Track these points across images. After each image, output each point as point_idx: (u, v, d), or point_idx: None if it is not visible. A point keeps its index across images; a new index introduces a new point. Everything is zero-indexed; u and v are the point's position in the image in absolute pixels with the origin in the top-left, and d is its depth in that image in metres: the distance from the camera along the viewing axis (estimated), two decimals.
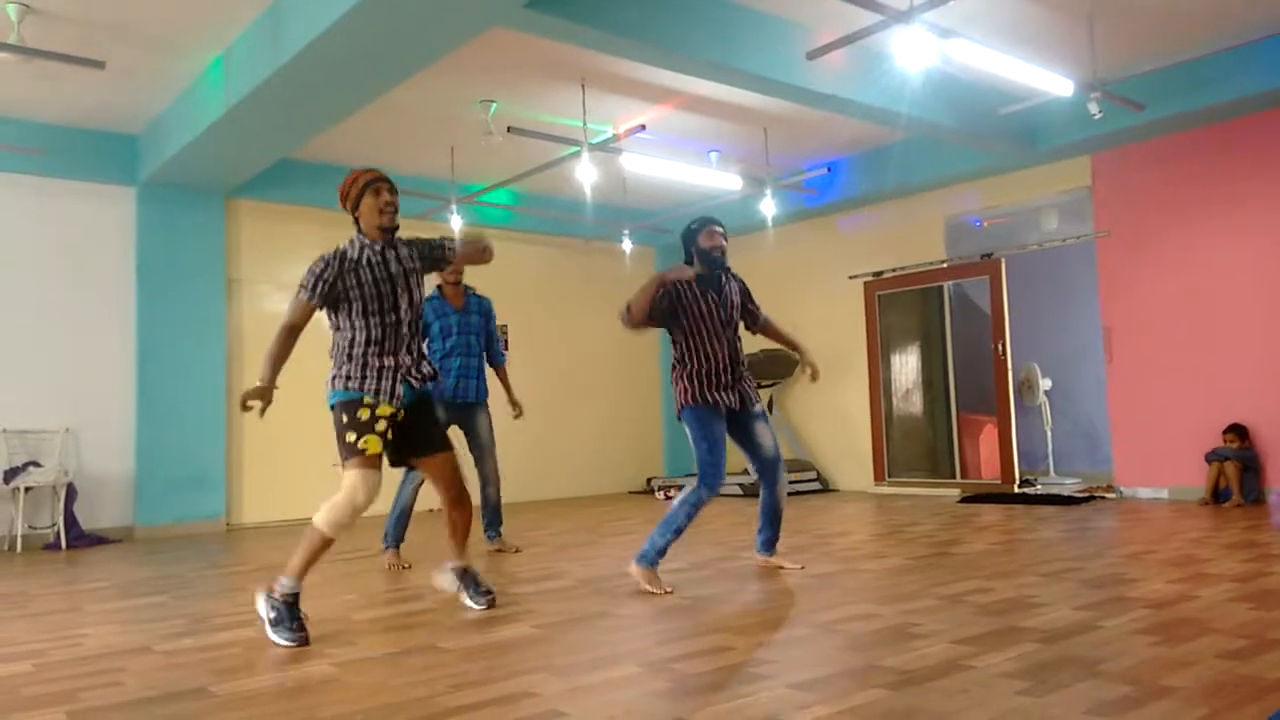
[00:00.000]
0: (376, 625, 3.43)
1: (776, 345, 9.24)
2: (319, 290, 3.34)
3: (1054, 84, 5.55)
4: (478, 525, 5.01)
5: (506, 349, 9.09)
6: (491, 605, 3.64)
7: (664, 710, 2.28)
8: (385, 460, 3.38)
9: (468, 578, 3.69)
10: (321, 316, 3.44)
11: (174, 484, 7.07)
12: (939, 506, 7.12)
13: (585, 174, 6.31)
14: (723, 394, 4.05)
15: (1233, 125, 6.63)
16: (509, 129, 6.15)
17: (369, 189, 3.42)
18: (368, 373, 3.35)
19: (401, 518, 4.97)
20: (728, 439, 4.12)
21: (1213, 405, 6.68)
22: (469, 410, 5.14)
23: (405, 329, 3.44)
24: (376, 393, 3.33)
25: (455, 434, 4.51)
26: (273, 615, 3.20)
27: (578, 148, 6.25)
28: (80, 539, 6.51)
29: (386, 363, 3.38)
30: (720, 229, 4.20)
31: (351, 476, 3.26)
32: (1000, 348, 7.98)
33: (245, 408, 3.21)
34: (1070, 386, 8.79)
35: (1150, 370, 7.05)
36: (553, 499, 9.17)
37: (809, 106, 6.22)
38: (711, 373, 4.05)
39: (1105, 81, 5.71)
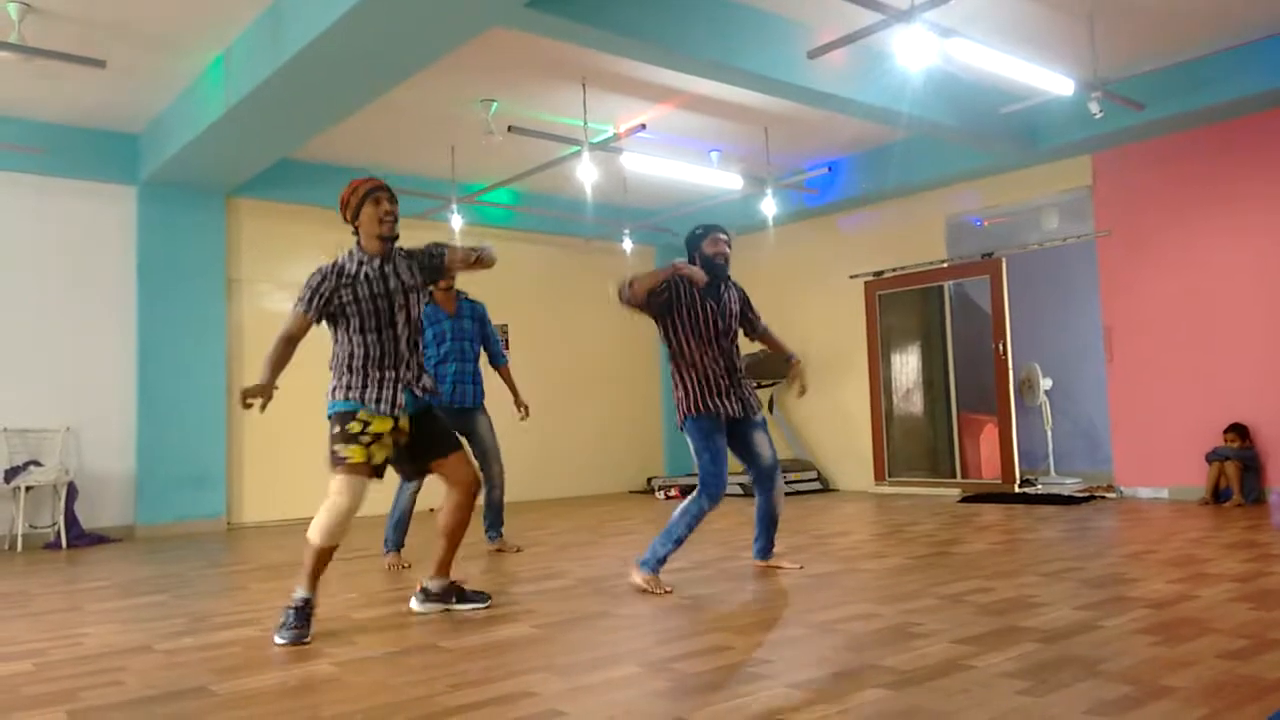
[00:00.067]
0: (377, 624, 3.44)
1: None
2: (314, 304, 3.35)
3: (1055, 83, 5.54)
4: (476, 527, 5.01)
5: (507, 348, 9.10)
6: (487, 602, 3.64)
7: (664, 710, 2.28)
8: (372, 469, 3.35)
9: (448, 593, 3.65)
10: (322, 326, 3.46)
11: (175, 483, 7.07)
12: (939, 506, 7.12)
13: (586, 173, 6.31)
14: (724, 401, 4.04)
15: (1233, 125, 6.63)
16: (509, 128, 6.15)
17: (369, 198, 3.41)
18: (368, 383, 3.35)
19: (401, 522, 4.97)
20: (731, 449, 4.13)
21: (1213, 405, 6.68)
22: (467, 415, 5.11)
23: (404, 345, 3.43)
24: (377, 402, 3.33)
25: None
26: (280, 619, 3.25)
27: (578, 147, 6.25)
28: (81, 538, 6.51)
29: (387, 375, 3.38)
30: (725, 237, 4.20)
31: (334, 484, 3.27)
32: (1001, 347, 7.98)
33: (246, 405, 3.21)
34: (1071, 386, 8.79)
35: (1151, 370, 7.05)
36: (553, 498, 9.17)
37: (810, 106, 6.22)
38: (709, 380, 4.04)
39: (1106, 81, 5.71)
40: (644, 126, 6.31)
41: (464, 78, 6.12)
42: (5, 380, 6.60)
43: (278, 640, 3.16)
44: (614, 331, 9.88)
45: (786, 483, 8.11)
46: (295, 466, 7.52)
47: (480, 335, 5.28)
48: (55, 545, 6.41)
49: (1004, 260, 7.98)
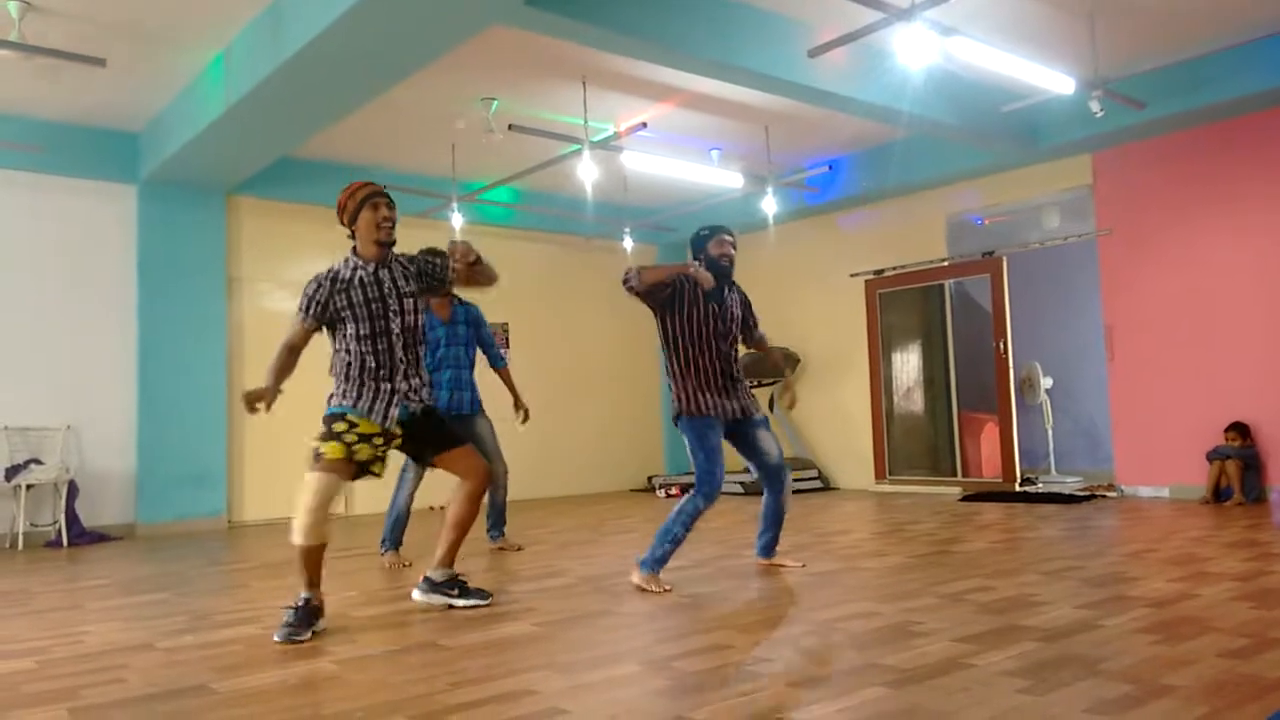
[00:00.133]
0: (377, 622, 3.44)
1: (779, 344, 9.27)
2: (312, 311, 3.38)
3: (1055, 82, 5.54)
4: (476, 526, 5.01)
5: (508, 347, 9.10)
6: (488, 600, 3.64)
7: (664, 708, 2.28)
8: (356, 469, 3.36)
9: (451, 584, 3.65)
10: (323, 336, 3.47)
11: (175, 481, 7.07)
12: (940, 505, 7.13)
13: (586, 172, 6.30)
14: (720, 401, 4.04)
15: (1234, 124, 6.63)
16: (510, 127, 6.15)
17: (367, 203, 3.41)
18: (363, 393, 3.37)
19: (399, 521, 4.96)
20: (733, 449, 4.13)
21: (1214, 403, 6.68)
22: (465, 422, 5.06)
23: (401, 352, 3.42)
24: (369, 411, 3.35)
25: None
26: (282, 617, 3.25)
27: (579, 145, 6.24)
28: (82, 536, 6.51)
29: (383, 387, 3.38)
30: (730, 239, 4.20)
31: (306, 479, 3.27)
32: (1001, 346, 7.98)
33: (252, 409, 3.25)
34: (1071, 385, 8.78)
35: (1151, 369, 7.04)
36: (554, 497, 9.17)
37: (810, 104, 6.22)
38: (706, 380, 4.04)
39: (1107, 80, 5.71)
40: (644, 125, 6.30)
41: (464, 76, 6.12)
42: (6, 379, 6.60)
43: (275, 638, 3.17)
44: (615, 330, 9.88)
45: None
46: (296, 465, 7.43)
47: (476, 339, 5.26)
48: (56, 543, 6.41)
49: (1005, 259, 7.98)
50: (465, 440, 3.61)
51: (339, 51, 4.90)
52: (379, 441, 3.37)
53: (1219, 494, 6.44)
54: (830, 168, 8.37)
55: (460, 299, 5.26)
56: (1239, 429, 6.45)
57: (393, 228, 3.45)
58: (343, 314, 3.38)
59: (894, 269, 8.68)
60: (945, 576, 3.97)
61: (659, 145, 7.61)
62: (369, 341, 3.38)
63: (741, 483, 8.72)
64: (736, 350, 4.19)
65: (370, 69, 5.20)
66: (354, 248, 3.47)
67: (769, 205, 7.82)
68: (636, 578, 3.93)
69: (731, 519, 6.56)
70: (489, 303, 5.45)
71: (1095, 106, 5.69)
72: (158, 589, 4.41)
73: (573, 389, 9.60)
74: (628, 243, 9.04)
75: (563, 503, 8.57)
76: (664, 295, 4.04)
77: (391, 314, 3.41)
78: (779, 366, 4.45)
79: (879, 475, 8.76)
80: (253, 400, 3.27)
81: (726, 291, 4.18)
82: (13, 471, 6.38)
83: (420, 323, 3.52)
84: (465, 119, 6.84)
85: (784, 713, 2.21)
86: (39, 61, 5.31)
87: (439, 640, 3.09)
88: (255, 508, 7.55)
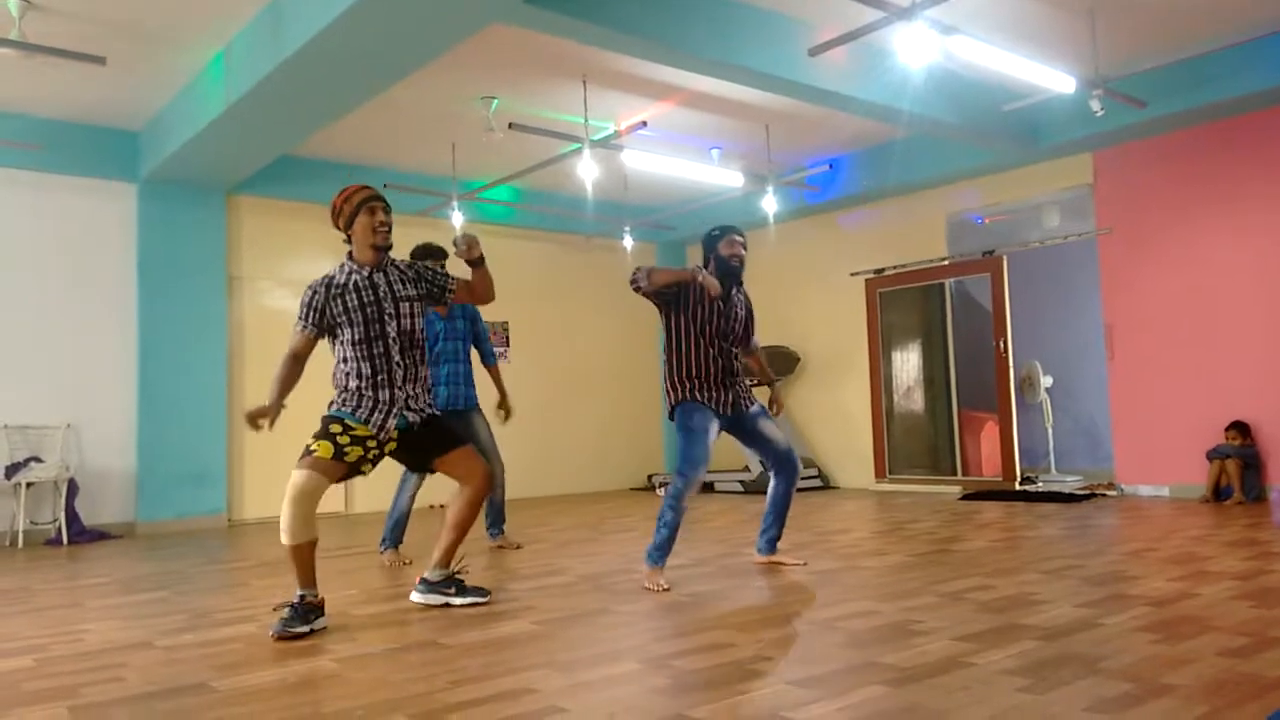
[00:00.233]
0: (377, 621, 3.44)
1: (779, 343, 9.28)
2: (311, 319, 3.39)
3: (1056, 81, 5.54)
4: (476, 525, 5.00)
5: (508, 345, 9.11)
6: (487, 599, 3.65)
7: (664, 706, 2.28)
8: (347, 469, 3.36)
9: (449, 583, 3.64)
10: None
11: (175, 479, 7.08)
12: (940, 504, 7.12)
13: (587, 170, 6.30)
14: (716, 394, 4.06)
15: (1235, 123, 6.62)
16: (510, 125, 6.15)
17: (364, 208, 3.39)
18: (362, 401, 3.37)
19: (400, 521, 4.96)
20: (740, 445, 4.13)
21: (1214, 402, 6.67)
22: (462, 417, 5.07)
23: (398, 356, 3.41)
24: (366, 422, 3.36)
25: None
26: (279, 614, 3.25)
27: (579, 144, 6.24)
28: (82, 534, 6.52)
29: (381, 396, 3.38)
30: (740, 239, 4.20)
31: (292, 477, 3.25)
32: (1001, 345, 7.98)
33: (255, 426, 3.25)
34: (1071, 384, 8.78)
35: (1152, 368, 7.04)
36: (554, 495, 9.17)
37: (811, 103, 6.21)
38: (704, 377, 4.04)
39: (1107, 78, 5.70)
40: (645, 124, 6.30)
41: (465, 74, 6.12)
42: (6, 377, 6.60)
43: (270, 632, 3.17)
44: (614, 328, 9.88)
45: None
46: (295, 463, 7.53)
47: (472, 334, 5.26)
48: (56, 541, 6.42)
49: (1005, 258, 7.98)
50: (465, 441, 3.61)
51: (339, 50, 4.90)
52: (372, 444, 3.37)
53: (1219, 493, 6.44)
54: (830, 167, 8.37)
55: None
56: (1239, 428, 6.45)
57: (389, 232, 3.43)
58: (339, 320, 3.37)
59: (894, 268, 8.68)
60: (945, 575, 3.97)
61: (659, 144, 7.61)
62: (365, 346, 3.37)
63: (741, 481, 8.73)
64: (737, 350, 4.20)
65: (370, 67, 5.20)
66: (350, 252, 3.47)
67: (769, 204, 7.82)
68: (643, 571, 3.97)
69: (731, 518, 6.56)
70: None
71: (1095, 105, 5.68)
72: (157, 587, 4.41)
73: (573, 387, 9.61)
74: (628, 241, 9.05)
75: (562, 501, 8.57)
76: (670, 292, 4.06)
77: (387, 318, 3.40)
78: (769, 379, 4.46)
79: (879, 474, 8.76)
80: (255, 418, 3.29)
81: (734, 292, 4.19)
82: (13, 469, 6.38)
83: (419, 327, 3.49)
84: (468, 118, 6.84)
85: (784, 711, 2.20)
86: (39, 60, 5.31)
87: (439, 639, 3.09)
88: (255, 506, 7.55)
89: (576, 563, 4.70)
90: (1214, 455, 6.49)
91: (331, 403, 3.42)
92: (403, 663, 2.80)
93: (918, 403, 9.03)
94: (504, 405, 5.25)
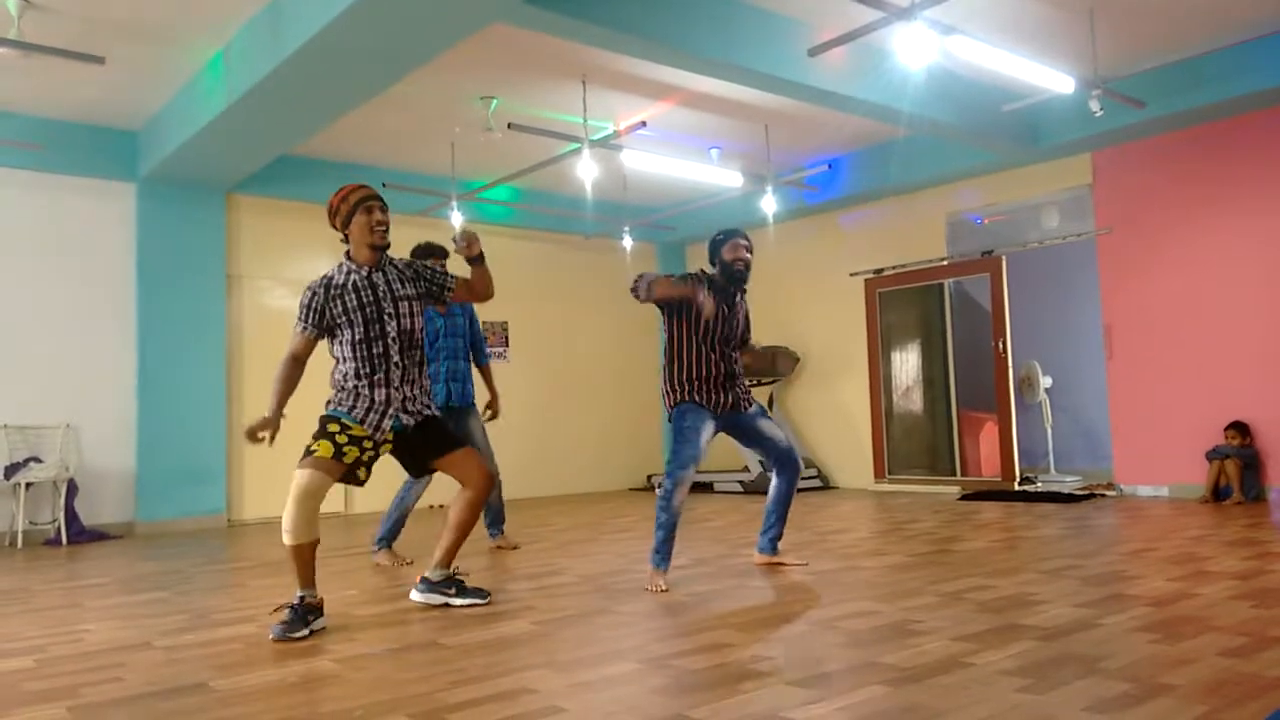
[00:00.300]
0: (377, 621, 3.44)
1: (779, 342, 9.28)
2: (310, 320, 3.38)
3: (1055, 81, 5.54)
4: (478, 528, 5.01)
5: (508, 345, 9.11)
6: (487, 599, 3.64)
7: (663, 706, 2.28)
8: (345, 470, 3.36)
9: (449, 583, 3.64)
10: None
11: (175, 479, 7.07)
12: (939, 504, 7.13)
13: (586, 170, 6.30)
14: (714, 395, 4.06)
15: (1234, 123, 6.63)
16: (509, 125, 6.15)
17: (361, 207, 3.38)
18: (358, 403, 3.37)
19: (399, 522, 4.96)
20: (740, 446, 4.13)
21: (1214, 402, 6.68)
22: (459, 414, 5.06)
23: (397, 357, 3.40)
24: (362, 422, 3.35)
25: None
26: (278, 615, 3.25)
27: (578, 144, 6.24)
28: (81, 534, 6.51)
29: (378, 396, 3.37)
30: (745, 243, 4.19)
31: (295, 477, 3.26)
32: (1001, 345, 7.98)
33: (255, 440, 3.25)
34: (1071, 384, 8.79)
35: (1151, 368, 7.05)
36: (554, 495, 9.17)
37: (810, 103, 6.21)
38: (703, 378, 4.04)
39: (1106, 79, 5.71)
40: (644, 124, 6.30)
41: (464, 74, 6.12)
42: (5, 377, 6.60)
43: (270, 635, 3.17)
44: (614, 328, 9.88)
45: None
46: (295, 463, 7.52)
47: (470, 332, 5.26)
48: (55, 541, 6.41)
49: (1004, 258, 7.98)
50: (464, 442, 3.60)
51: (339, 49, 4.90)
52: (368, 445, 3.36)
53: (1218, 493, 6.45)
54: (830, 167, 8.37)
55: None
56: (1238, 428, 6.45)
57: (386, 231, 3.42)
58: (339, 320, 3.37)
59: (894, 268, 8.68)
60: (944, 575, 3.97)
61: (658, 144, 7.61)
62: (364, 346, 3.37)
63: (741, 482, 8.73)
64: (738, 354, 4.20)
65: (370, 67, 5.20)
66: (347, 252, 3.46)
67: (768, 204, 7.81)
68: (646, 574, 3.97)
69: (731, 518, 6.56)
70: (489, 301, 5.44)
71: (1095, 106, 5.69)
72: (157, 587, 4.41)
73: (572, 387, 9.61)
74: (627, 241, 9.04)
75: (562, 501, 8.57)
76: (673, 302, 4.06)
77: (386, 317, 3.39)
78: (769, 369, 4.47)
79: (878, 474, 8.76)
80: (255, 432, 3.28)
81: (738, 298, 4.19)
82: (12, 469, 6.38)
83: (419, 326, 3.49)
84: (468, 118, 6.84)
85: (783, 711, 2.21)
86: (38, 59, 5.31)
87: (438, 639, 3.09)
88: (255, 506, 7.55)
89: (576, 563, 4.70)
90: (1213, 455, 6.49)
91: (329, 401, 3.42)
92: (403, 663, 2.80)
93: (917, 403, 9.03)
94: (493, 405, 5.25)
